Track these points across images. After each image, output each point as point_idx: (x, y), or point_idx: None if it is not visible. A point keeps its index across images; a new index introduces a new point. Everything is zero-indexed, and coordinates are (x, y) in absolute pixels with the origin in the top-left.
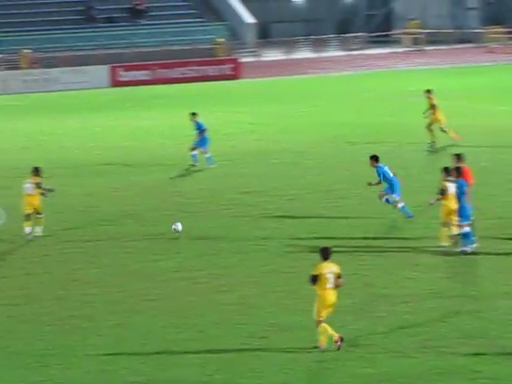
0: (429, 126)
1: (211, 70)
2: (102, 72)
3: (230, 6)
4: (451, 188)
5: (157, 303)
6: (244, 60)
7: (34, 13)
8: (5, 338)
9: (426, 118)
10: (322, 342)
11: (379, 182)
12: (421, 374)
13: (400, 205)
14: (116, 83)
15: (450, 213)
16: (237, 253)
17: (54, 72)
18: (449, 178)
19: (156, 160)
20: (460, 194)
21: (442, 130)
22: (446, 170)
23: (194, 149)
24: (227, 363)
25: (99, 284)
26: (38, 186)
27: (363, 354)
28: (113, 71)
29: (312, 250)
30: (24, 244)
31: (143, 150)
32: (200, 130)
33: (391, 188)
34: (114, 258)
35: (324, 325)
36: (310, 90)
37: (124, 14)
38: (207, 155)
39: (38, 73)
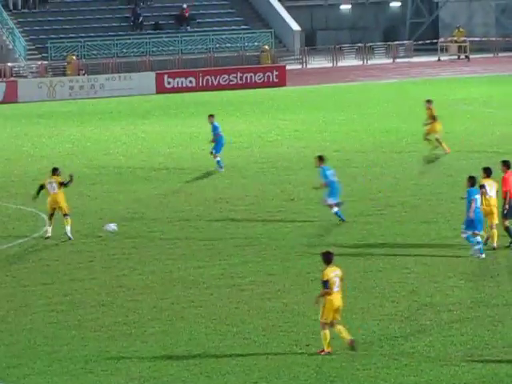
0: (426, 136)
1: (257, 78)
2: (147, 79)
3: (276, 14)
4: (488, 191)
5: (201, 310)
6: (290, 67)
7: (81, 20)
8: (49, 344)
9: (425, 126)
10: (326, 347)
11: (323, 185)
12: (466, 382)
13: (334, 209)
14: (162, 90)
15: (486, 214)
16: (282, 260)
17: (100, 78)
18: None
19: (201, 166)
20: (468, 203)
21: (437, 141)
22: (486, 171)
23: (213, 155)
24: (272, 370)
25: (144, 290)
26: (62, 184)
27: (408, 363)
28: (159, 78)
29: (357, 257)
30: (69, 250)
31: (188, 157)
32: (215, 133)
33: (330, 192)
34: (159, 265)
35: (326, 332)
36: (355, 98)
37: (170, 22)
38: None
39: (84, 79)
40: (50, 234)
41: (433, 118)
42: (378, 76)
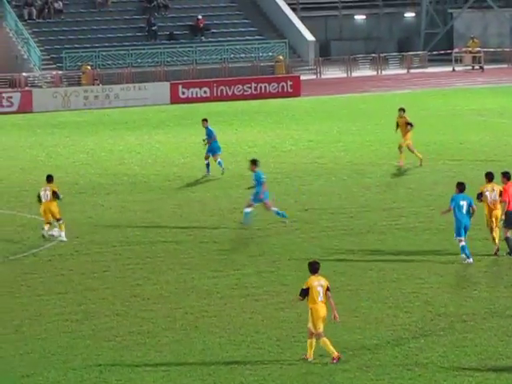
0: (410, 148)
1: (271, 88)
2: (162, 89)
3: (290, 24)
4: (489, 195)
5: (215, 320)
6: (304, 77)
7: (96, 30)
8: (64, 353)
9: (396, 133)
10: (333, 352)
11: (265, 187)
12: None
13: (248, 209)
14: (176, 100)
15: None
16: (296, 270)
17: (115, 88)
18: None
19: (215, 176)
20: (455, 209)
21: (399, 148)
22: (488, 176)
23: (207, 157)
24: (286, 380)
25: (158, 300)
26: (55, 193)
27: (421, 373)
28: (173, 88)
29: (371, 267)
30: (84, 260)
31: (203, 167)
32: (209, 136)
33: (255, 195)
34: (173, 275)
35: (324, 339)
36: (369, 108)
37: (185, 32)
38: (218, 159)
39: (98, 89)
40: (48, 233)
41: (409, 125)
42: (393, 86)
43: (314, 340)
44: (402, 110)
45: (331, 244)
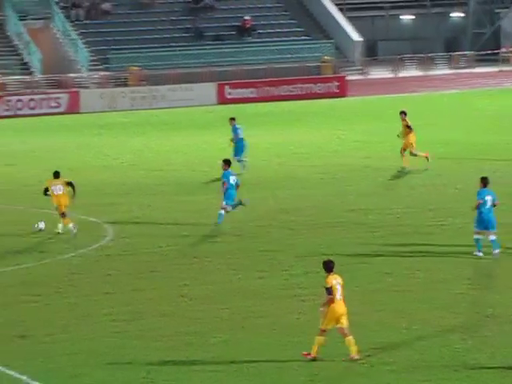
0: (402, 151)
1: (317, 88)
2: (209, 89)
3: (337, 24)
4: None
5: (261, 320)
6: (350, 78)
7: (142, 31)
8: (111, 353)
9: (400, 139)
10: (314, 350)
11: (225, 185)
12: None
13: (222, 212)
14: (223, 101)
15: None
16: (342, 271)
17: (162, 89)
18: None
19: (262, 177)
20: (480, 203)
21: (412, 154)
22: None
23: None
24: (333, 381)
25: (205, 300)
26: (68, 184)
27: (470, 374)
28: (220, 89)
29: (418, 268)
30: (131, 260)
31: (249, 168)
32: (235, 135)
33: (225, 194)
34: (220, 275)
35: (321, 338)
36: (416, 109)
37: (232, 32)
38: (239, 160)
39: (145, 90)
40: (76, 231)
41: (408, 128)
42: (440, 87)
43: (350, 337)
44: (403, 113)
45: (377, 244)
